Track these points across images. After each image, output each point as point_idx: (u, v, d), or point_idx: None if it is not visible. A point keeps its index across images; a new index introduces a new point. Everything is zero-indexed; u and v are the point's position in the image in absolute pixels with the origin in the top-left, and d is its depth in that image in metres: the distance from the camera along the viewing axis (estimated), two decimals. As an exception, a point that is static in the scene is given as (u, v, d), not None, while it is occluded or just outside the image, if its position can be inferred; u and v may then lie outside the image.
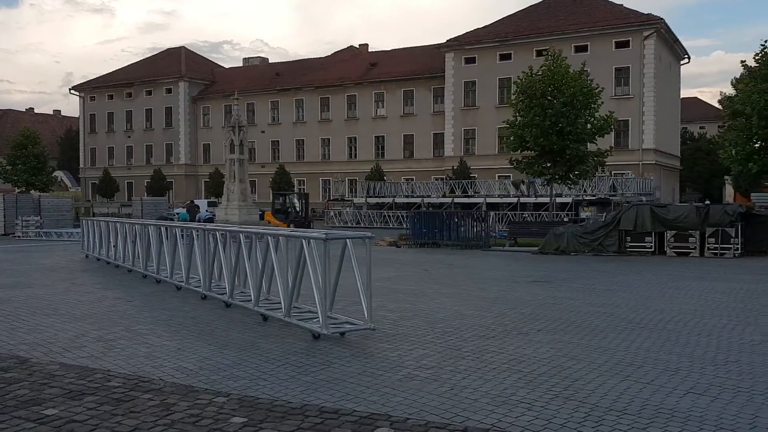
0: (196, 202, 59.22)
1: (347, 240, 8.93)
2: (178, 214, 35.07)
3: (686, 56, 62.34)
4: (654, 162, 52.99)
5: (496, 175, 54.10)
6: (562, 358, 7.78)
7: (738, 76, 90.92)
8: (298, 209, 41.67)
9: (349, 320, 9.24)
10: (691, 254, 21.52)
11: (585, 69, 30.25)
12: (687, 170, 68.41)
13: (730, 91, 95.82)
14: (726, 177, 53.15)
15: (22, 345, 8.77)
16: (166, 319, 10.72)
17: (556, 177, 30.42)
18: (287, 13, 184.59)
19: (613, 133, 36.90)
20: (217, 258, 12.09)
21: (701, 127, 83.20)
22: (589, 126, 29.65)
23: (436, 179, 55.45)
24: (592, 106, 29.61)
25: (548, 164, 30.37)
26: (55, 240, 33.18)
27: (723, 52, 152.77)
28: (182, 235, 13.81)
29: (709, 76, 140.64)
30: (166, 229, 14.53)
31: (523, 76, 30.59)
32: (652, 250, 22.11)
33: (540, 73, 30.19)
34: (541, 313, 10.86)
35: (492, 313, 10.89)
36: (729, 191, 56.34)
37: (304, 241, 8.92)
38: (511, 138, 30.77)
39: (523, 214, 40.37)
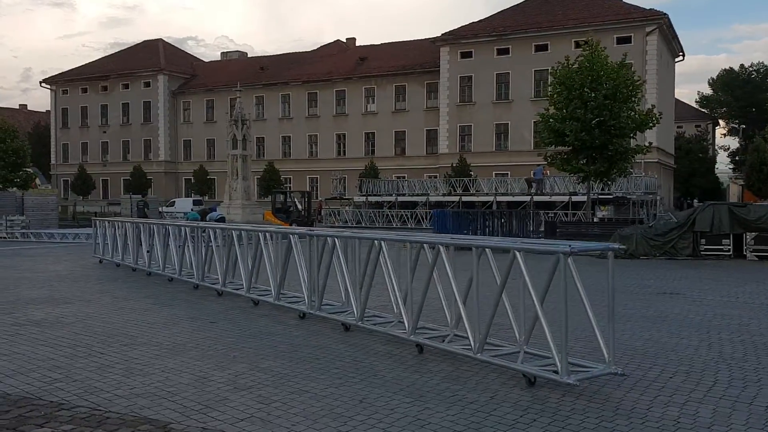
0: (178, 200, 56.53)
1: (560, 255, 6.67)
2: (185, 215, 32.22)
3: (681, 53, 61.28)
4: (657, 161, 51.71)
5: (494, 172, 52.27)
6: None
7: (714, 77, 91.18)
8: (300, 208, 39.34)
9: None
10: (774, 258, 19.76)
11: (626, 60, 28.31)
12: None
13: (707, 91, 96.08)
14: (730, 176, 52.22)
15: (136, 397, 6.38)
16: (286, 350, 8.35)
17: (593, 174, 28.48)
18: (251, 10, 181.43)
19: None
20: (318, 268, 9.84)
21: (679, 126, 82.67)
22: (629, 120, 27.76)
23: (429, 177, 53.41)
24: (633, 99, 27.75)
25: (584, 160, 28.45)
26: (47, 242, 30.16)
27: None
28: (267, 238, 11.39)
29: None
30: (239, 232, 12.13)
31: (559, 67, 28.60)
32: (730, 253, 20.28)
33: (576, 64, 28.22)
34: (750, 340, 8.79)
35: (691, 342, 8.78)
36: (734, 190, 55.39)
37: (517, 253, 6.70)
38: (545, 132, 28.69)
39: (538, 212, 38.60)
